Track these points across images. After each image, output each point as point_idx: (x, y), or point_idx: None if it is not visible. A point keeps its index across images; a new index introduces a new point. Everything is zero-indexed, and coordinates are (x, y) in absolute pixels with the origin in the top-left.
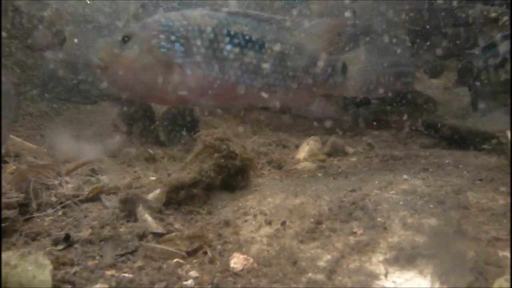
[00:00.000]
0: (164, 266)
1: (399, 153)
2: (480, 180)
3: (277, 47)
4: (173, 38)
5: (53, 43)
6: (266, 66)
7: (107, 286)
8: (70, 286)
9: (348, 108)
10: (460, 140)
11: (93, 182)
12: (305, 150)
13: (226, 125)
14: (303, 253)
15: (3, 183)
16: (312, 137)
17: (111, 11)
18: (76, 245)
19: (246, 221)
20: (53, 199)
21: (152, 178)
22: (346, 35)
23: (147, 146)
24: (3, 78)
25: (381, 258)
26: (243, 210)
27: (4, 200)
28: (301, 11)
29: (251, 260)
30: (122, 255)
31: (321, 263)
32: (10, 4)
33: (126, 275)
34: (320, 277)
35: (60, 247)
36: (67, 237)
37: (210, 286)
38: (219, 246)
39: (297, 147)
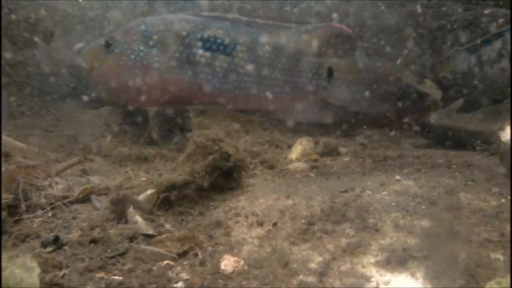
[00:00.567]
0: (154, 268)
1: (392, 153)
2: (473, 181)
3: (251, 50)
4: (151, 43)
5: (40, 41)
6: (237, 69)
7: None
8: None
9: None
10: (453, 139)
11: (83, 182)
12: (298, 150)
13: (218, 125)
14: (295, 254)
15: None
16: (305, 137)
17: (100, 12)
18: (65, 247)
19: (237, 222)
20: (43, 200)
21: (143, 178)
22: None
23: (140, 145)
24: None
25: (372, 260)
26: (235, 211)
27: None
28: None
29: (242, 262)
30: (111, 257)
31: (313, 265)
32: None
33: (116, 277)
34: (311, 279)
35: (49, 249)
36: (56, 239)
37: None
38: (210, 248)
39: (290, 147)
